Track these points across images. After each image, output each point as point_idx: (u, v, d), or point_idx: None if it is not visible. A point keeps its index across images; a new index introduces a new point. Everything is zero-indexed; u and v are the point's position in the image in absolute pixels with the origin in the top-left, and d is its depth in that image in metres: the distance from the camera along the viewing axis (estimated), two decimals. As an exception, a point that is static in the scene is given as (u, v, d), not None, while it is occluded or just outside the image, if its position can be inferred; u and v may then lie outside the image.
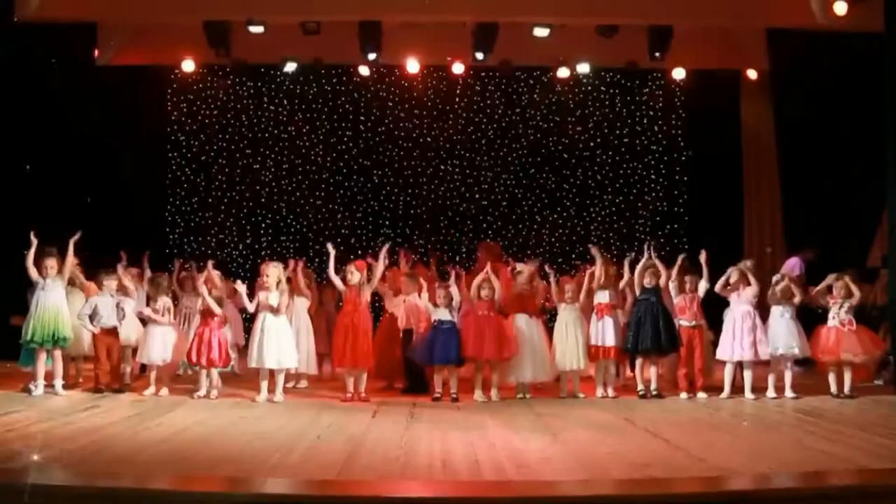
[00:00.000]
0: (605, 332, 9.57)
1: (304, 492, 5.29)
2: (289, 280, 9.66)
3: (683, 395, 9.53)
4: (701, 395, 9.51)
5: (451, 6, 12.78)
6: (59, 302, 9.42)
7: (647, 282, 9.62)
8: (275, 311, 9.27)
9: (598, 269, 9.76)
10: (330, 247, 9.61)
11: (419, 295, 9.94)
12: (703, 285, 9.67)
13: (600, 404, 9.17)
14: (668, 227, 15.48)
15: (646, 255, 9.86)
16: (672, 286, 9.70)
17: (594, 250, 9.98)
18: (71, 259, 9.57)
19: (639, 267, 9.74)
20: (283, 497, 5.19)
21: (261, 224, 15.36)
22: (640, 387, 9.59)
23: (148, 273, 10.34)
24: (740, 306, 9.56)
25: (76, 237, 9.55)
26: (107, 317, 9.56)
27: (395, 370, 10.03)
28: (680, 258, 9.87)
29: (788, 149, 14.38)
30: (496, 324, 9.39)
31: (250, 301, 9.46)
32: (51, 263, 9.41)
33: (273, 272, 9.37)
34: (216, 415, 8.18)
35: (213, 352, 9.21)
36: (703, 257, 9.70)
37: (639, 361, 9.70)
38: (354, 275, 9.38)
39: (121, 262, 10.14)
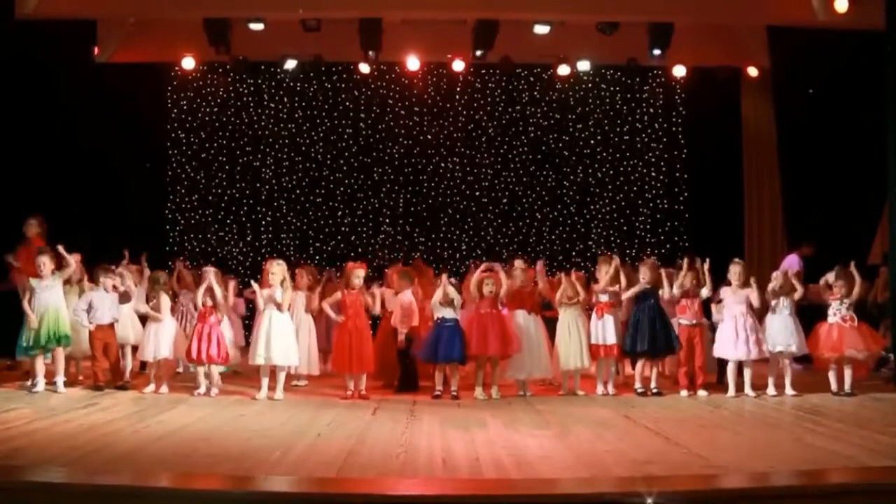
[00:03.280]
0: (606, 331, 9.56)
1: (304, 489, 5.29)
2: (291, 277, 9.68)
3: (684, 392, 9.52)
4: (701, 392, 9.50)
5: (451, 3, 12.78)
6: (57, 302, 9.38)
7: (645, 281, 9.61)
8: (279, 308, 9.28)
9: (603, 273, 9.76)
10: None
11: (414, 293, 9.94)
12: (705, 291, 9.65)
13: (601, 402, 9.16)
14: (669, 224, 15.46)
15: (698, 263, 9.76)
16: (677, 289, 9.69)
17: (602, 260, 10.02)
18: (70, 259, 9.56)
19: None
20: (283, 495, 5.19)
21: (261, 222, 15.35)
22: (638, 385, 9.59)
23: (147, 272, 10.31)
24: (738, 305, 9.52)
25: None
26: (102, 313, 9.55)
27: (395, 369, 10.03)
28: (704, 263, 9.79)
29: (789, 146, 14.37)
30: (499, 321, 9.39)
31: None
32: (45, 261, 9.35)
33: (277, 269, 9.38)
34: (216, 412, 8.18)
35: (213, 348, 9.22)
36: (700, 263, 9.71)
37: (639, 361, 9.71)
38: (359, 278, 9.42)
39: (123, 260, 10.13)
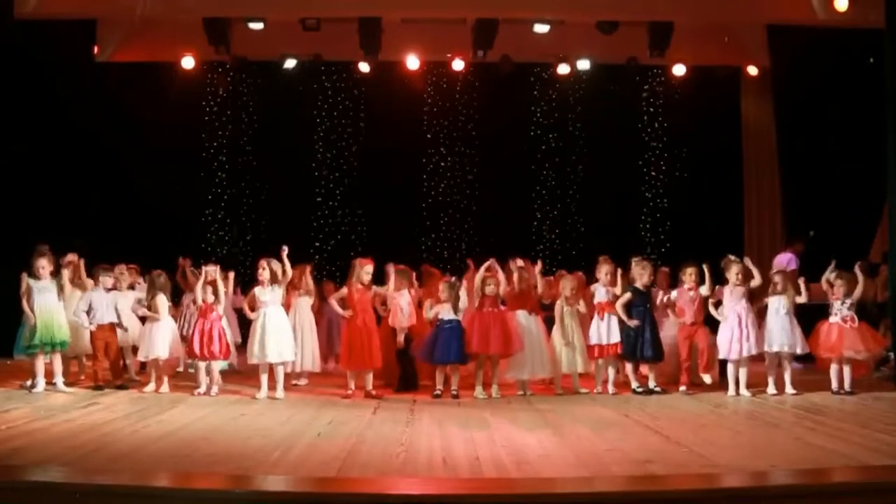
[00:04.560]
0: (610, 331, 9.54)
1: (304, 489, 5.28)
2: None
3: (683, 388, 9.51)
4: (706, 377, 9.51)
5: (451, 2, 12.79)
6: (54, 304, 9.36)
7: (639, 284, 9.61)
8: (273, 306, 9.28)
9: (603, 273, 9.74)
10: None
11: (410, 292, 9.94)
12: (704, 289, 9.63)
13: (601, 400, 9.15)
14: (668, 223, 15.46)
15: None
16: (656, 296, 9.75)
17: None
18: (67, 260, 9.59)
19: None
20: (283, 494, 5.19)
21: (260, 221, 15.33)
22: (636, 384, 9.58)
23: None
24: (737, 304, 9.51)
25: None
26: (102, 313, 9.54)
27: (395, 368, 10.03)
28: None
29: (789, 146, 14.37)
30: (501, 320, 9.38)
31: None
32: (43, 263, 9.34)
33: (266, 267, 9.39)
34: (216, 412, 8.18)
35: (215, 344, 9.22)
36: (705, 266, 9.70)
37: (629, 363, 9.72)
38: (368, 274, 9.42)
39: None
